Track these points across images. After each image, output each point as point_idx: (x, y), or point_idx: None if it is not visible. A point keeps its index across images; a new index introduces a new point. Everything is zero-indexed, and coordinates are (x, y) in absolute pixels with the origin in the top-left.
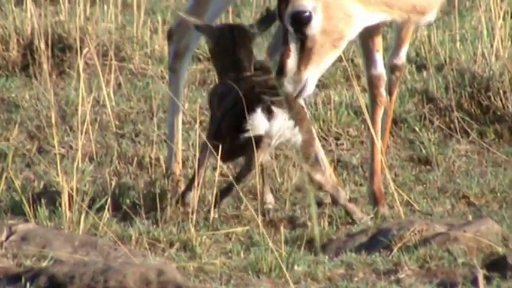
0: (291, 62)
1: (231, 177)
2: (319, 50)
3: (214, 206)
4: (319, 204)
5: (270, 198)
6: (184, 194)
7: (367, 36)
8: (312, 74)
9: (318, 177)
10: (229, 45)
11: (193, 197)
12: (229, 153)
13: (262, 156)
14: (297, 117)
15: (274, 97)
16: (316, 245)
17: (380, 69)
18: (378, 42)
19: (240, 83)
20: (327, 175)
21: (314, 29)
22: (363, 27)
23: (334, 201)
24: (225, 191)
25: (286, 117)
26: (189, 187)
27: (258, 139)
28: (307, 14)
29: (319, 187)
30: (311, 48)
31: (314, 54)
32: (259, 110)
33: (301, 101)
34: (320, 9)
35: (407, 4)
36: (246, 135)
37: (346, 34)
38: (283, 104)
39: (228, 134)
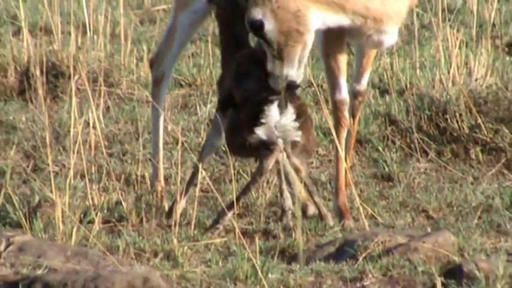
0: (269, 63)
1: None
2: (285, 49)
3: (218, 219)
4: (292, 216)
5: (289, 203)
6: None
7: (332, 60)
8: (291, 68)
9: (296, 161)
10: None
11: (176, 210)
12: (240, 149)
13: (272, 162)
14: (304, 124)
15: (291, 93)
16: (298, 254)
17: (344, 93)
18: (343, 66)
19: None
20: (303, 159)
21: (270, 32)
22: (326, 25)
23: (305, 213)
24: (231, 205)
25: (294, 115)
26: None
27: (270, 144)
28: (258, 22)
29: (296, 171)
30: (278, 49)
31: (283, 53)
32: (276, 103)
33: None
34: (269, 15)
35: (359, 6)
36: (259, 132)
37: (304, 31)
38: (294, 103)
39: (246, 124)
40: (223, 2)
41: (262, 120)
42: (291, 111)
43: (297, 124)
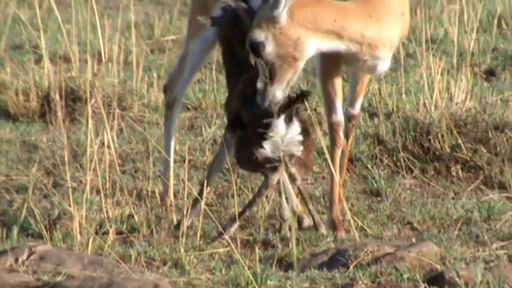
0: (259, 81)
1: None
2: (278, 71)
3: (224, 230)
4: (288, 228)
5: (287, 213)
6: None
7: (329, 85)
8: (278, 89)
9: (293, 170)
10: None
11: (184, 223)
12: (248, 164)
13: (277, 177)
14: (306, 140)
15: (297, 109)
16: (294, 262)
17: (340, 116)
18: (339, 91)
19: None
20: (301, 173)
21: (269, 55)
22: (320, 51)
23: (300, 225)
24: (235, 217)
25: (299, 130)
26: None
27: (275, 161)
28: (260, 43)
29: (292, 179)
30: (272, 70)
31: (276, 74)
32: (282, 117)
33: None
34: (271, 39)
35: (356, 34)
36: (266, 147)
37: (299, 57)
38: (299, 118)
39: (255, 139)
40: (224, 24)
41: (270, 134)
42: (296, 125)
43: (301, 138)
